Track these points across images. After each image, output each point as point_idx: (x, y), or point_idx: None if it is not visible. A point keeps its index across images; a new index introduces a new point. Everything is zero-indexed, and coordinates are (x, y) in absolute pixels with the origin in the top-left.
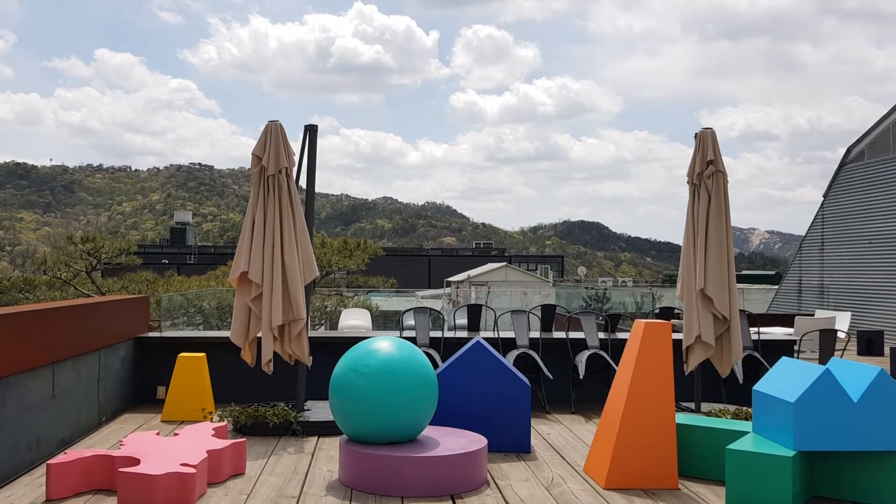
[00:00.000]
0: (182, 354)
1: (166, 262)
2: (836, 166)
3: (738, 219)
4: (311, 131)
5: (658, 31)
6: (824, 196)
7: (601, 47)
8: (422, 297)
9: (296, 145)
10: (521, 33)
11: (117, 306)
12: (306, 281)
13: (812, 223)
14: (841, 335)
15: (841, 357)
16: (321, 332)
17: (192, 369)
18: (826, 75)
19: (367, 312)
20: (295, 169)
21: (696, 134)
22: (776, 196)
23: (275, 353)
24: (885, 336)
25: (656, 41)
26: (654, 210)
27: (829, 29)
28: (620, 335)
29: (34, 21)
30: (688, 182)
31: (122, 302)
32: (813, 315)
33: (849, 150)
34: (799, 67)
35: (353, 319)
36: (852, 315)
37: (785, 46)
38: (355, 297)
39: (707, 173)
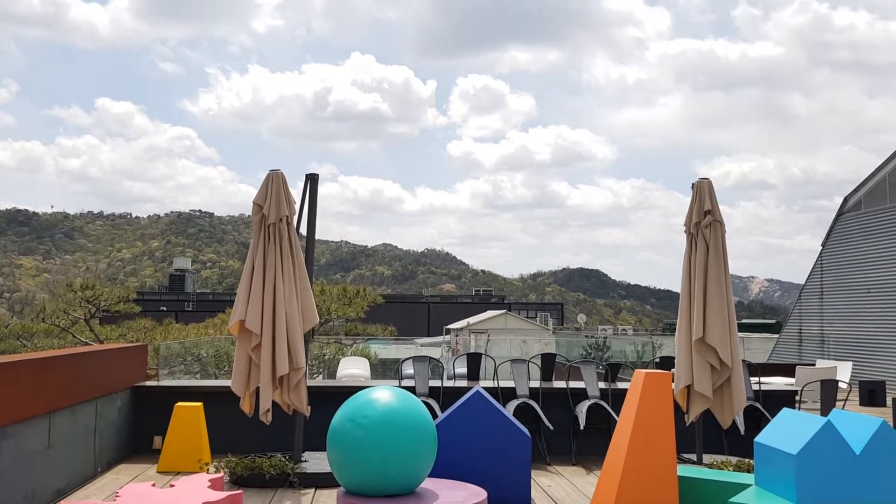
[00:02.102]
0: (179, 404)
1: (164, 309)
2: (832, 215)
3: (737, 267)
4: (311, 180)
5: (652, 83)
6: (822, 245)
7: (596, 97)
8: (421, 345)
9: (295, 193)
10: (516, 83)
11: (115, 355)
12: (306, 329)
13: (811, 272)
14: (842, 385)
15: (843, 408)
16: (319, 380)
17: (188, 419)
18: (819, 125)
19: (366, 361)
20: (296, 217)
21: (692, 184)
22: (774, 244)
23: (273, 403)
24: (886, 386)
25: (650, 92)
26: (651, 257)
27: (822, 80)
28: (621, 385)
29: (36, 70)
30: (685, 231)
31: (120, 350)
32: (814, 364)
33: (846, 200)
34: (791, 118)
35: (352, 368)
36: (853, 364)
37: (777, 97)
38: (354, 345)
39: (704, 223)
